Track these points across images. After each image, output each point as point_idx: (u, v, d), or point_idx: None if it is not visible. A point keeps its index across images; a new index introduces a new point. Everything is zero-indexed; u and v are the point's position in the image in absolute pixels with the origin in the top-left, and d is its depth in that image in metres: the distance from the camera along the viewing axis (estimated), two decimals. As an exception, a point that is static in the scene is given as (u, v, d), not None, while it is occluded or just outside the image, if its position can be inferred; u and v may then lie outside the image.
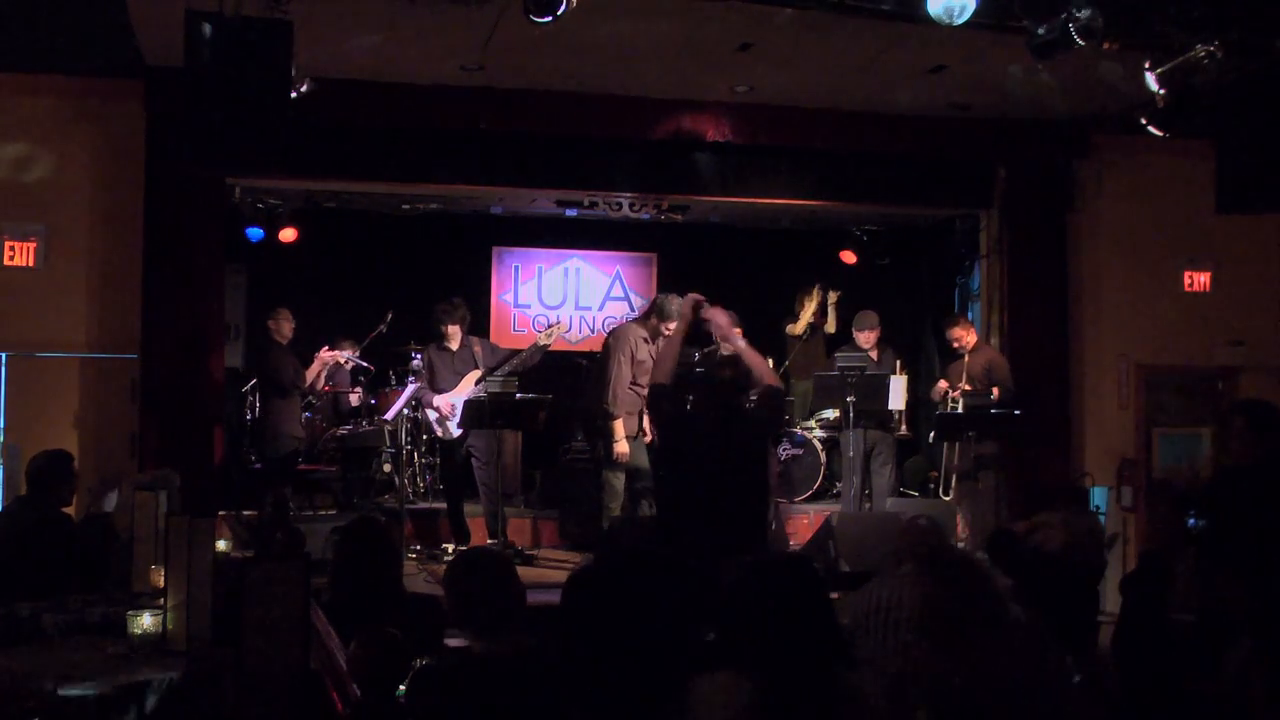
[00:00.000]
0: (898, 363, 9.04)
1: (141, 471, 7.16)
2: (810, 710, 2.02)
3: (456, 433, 8.33)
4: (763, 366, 6.15)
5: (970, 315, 9.38)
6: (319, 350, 8.96)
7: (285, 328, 8.67)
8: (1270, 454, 5.25)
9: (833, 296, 10.51)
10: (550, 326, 8.78)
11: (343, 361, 9.64)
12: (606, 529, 7.77)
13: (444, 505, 8.72)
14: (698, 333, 6.80)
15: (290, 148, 8.09)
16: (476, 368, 8.42)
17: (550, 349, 8.72)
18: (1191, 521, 5.26)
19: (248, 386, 9.73)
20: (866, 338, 8.98)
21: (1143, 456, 9.15)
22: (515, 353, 8.61)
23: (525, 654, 3.09)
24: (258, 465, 9.23)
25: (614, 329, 8.44)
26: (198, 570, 3.84)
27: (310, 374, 8.86)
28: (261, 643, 3.29)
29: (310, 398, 9.65)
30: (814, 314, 10.44)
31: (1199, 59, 6.05)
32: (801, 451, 9.59)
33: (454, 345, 8.50)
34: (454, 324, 8.46)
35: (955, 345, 8.66)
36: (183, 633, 3.83)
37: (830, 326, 10.43)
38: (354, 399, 10.01)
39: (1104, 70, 6.22)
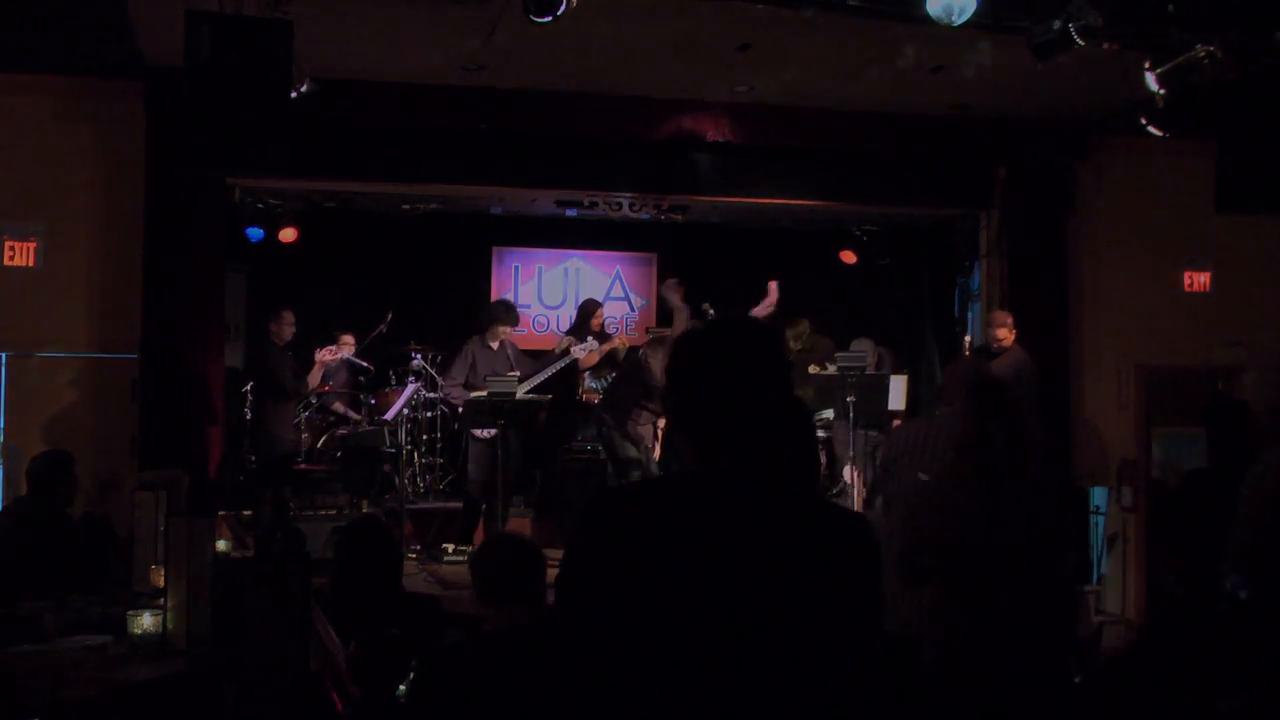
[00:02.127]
0: (891, 360, 8.99)
1: (142, 471, 7.15)
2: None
3: (491, 431, 8.28)
4: None
5: (970, 315, 9.33)
6: (317, 350, 8.94)
7: (286, 331, 8.63)
8: (1221, 456, 5.16)
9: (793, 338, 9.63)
10: (583, 344, 8.74)
11: (341, 356, 9.58)
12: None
13: (442, 505, 8.71)
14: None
15: (290, 148, 8.09)
16: (511, 368, 8.44)
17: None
18: None
19: (247, 387, 9.72)
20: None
21: (1143, 456, 9.14)
22: (547, 364, 8.63)
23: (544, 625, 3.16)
24: (255, 466, 9.22)
25: (647, 345, 8.45)
26: (198, 570, 3.84)
27: (314, 379, 8.85)
28: (261, 643, 3.30)
29: (310, 399, 9.64)
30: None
31: (1199, 59, 6.03)
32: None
33: (496, 344, 8.52)
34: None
35: (995, 346, 8.41)
36: (183, 633, 3.83)
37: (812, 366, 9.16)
38: (340, 406, 9.86)
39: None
